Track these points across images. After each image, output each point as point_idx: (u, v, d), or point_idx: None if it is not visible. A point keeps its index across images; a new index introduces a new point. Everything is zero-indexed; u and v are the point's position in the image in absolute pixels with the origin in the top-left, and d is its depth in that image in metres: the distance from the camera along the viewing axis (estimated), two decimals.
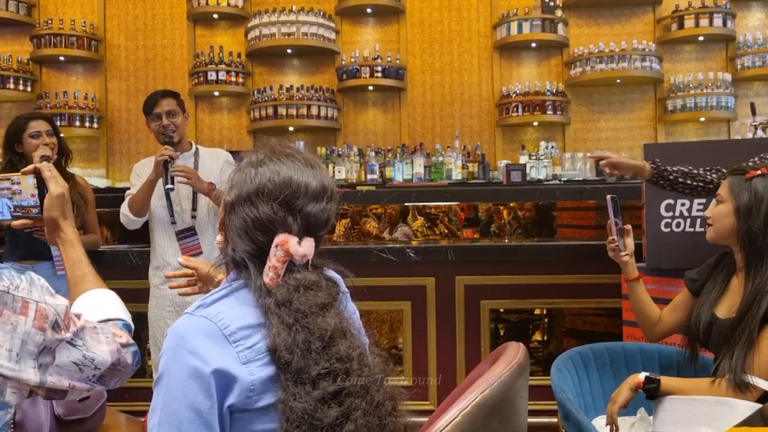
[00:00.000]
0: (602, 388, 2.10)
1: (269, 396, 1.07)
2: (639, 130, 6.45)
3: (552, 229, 5.44)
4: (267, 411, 1.07)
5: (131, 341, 1.17)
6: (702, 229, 2.66)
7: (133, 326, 1.25)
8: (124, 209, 3.08)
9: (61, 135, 3.19)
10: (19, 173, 1.32)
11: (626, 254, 2.23)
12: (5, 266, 0.97)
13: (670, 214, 2.68)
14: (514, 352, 1.12)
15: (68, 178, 3.15)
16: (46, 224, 1.32)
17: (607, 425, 1.90)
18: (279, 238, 1.12)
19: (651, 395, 1.85)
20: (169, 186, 2.89)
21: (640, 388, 1.85)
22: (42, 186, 1.31)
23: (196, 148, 3.23)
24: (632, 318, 2.72)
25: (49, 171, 1.31)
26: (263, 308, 1.11)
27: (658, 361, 2.16)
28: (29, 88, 6.50)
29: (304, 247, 1.13)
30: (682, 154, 2.68)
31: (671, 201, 2.68)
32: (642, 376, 1.85)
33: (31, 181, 1.31)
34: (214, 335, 1.07)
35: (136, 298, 2.92)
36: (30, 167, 1.33)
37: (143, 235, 3.30)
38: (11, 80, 6.38)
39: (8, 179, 1.30)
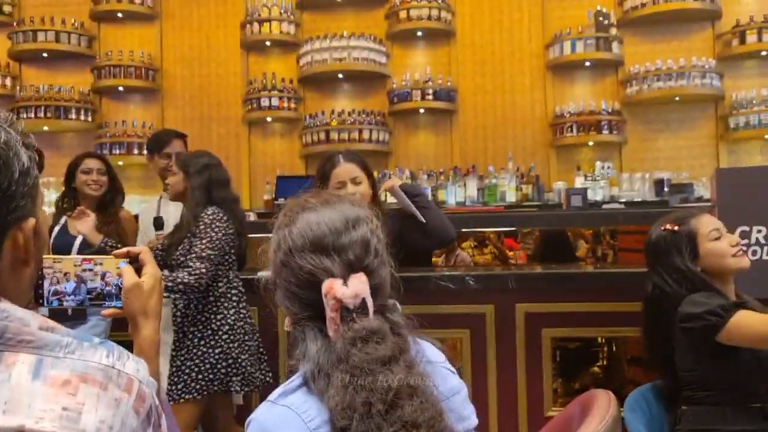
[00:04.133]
0: None
1: None
2: (700, 148, 6.25)
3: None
4: None
5: None
6: None
7: None
8: None
9: (114, 175, 3.39)
10: (109, 257, 1.21)
11: None
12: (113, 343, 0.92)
13: (746, 241, 2.55)
14: (606, 404, 1.06)
15: (112, 214, 3.27)
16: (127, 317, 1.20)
17: None
18: (324, 287, 1.03)
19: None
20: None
21: None
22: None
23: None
24: None
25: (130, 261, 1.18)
26: (326, 369, 1.00)
27: None
28: (90, 118, 6.71)
29: (353, 286, 1.03)
30: (757, 181, 2.57)
31: (746, 228, 2.56)
32: None
33: (122, 265, 1.19)
34: (299, 430, 0.99)
35: None
36: (123, 250, 1.21)
37: None
38: (73, 111, 6.59)
39: (91, 260, 1.19)
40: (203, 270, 2.65)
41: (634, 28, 6.34)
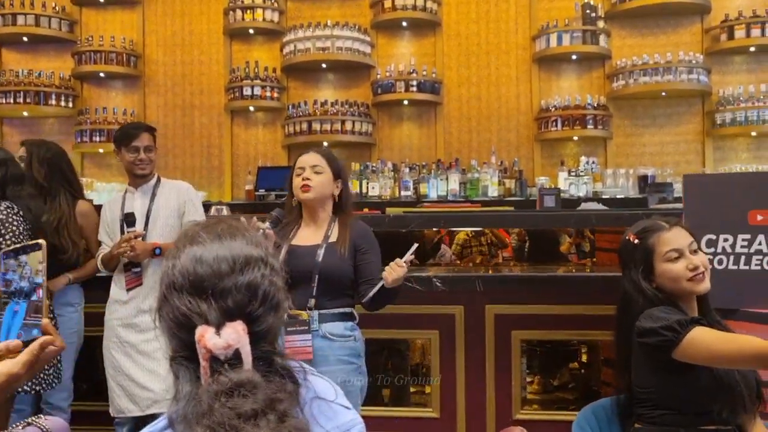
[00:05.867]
0: None
1: None
2: (686, 144, 6.19)
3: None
4: None
5: None
6: (747, 267, 2.48)
7: None
8: (99, 265, 3.12)
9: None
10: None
11: None
12: None
13: (712, 249, 2.50)
14: None
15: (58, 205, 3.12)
16: None
17: None
18: (196, 334, 0.96)
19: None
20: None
21: None
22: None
23: (158, 179, 3.20)
24: None
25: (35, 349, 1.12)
26: (190, 419, 0.94)
27: None
28: (71, 104, 6.61)
29: (225, 336, 0.95)
30: (725, 189, 2.51)
31: (713, 236, 2.50)
32: None
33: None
34: None
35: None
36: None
37: None
38: (53, 96, 6.50)
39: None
40: None
41: (621, 21, 6.25)
